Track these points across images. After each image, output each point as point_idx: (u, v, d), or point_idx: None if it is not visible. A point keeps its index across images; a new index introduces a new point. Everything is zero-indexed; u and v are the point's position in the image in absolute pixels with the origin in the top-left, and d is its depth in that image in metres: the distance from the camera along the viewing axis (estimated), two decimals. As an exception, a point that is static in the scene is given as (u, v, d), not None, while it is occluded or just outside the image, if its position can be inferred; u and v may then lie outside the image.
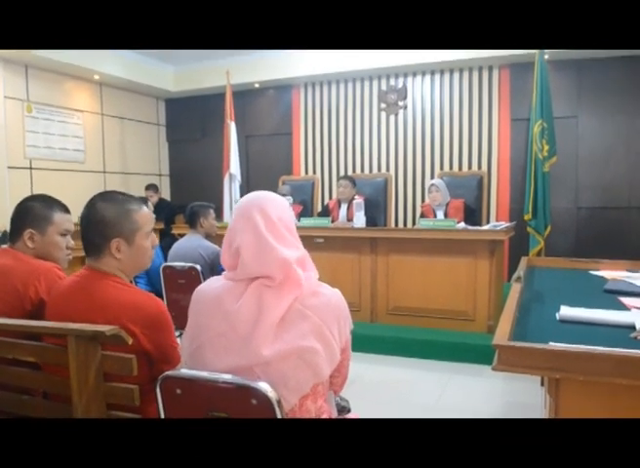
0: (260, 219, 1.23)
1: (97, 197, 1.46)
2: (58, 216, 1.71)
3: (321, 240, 4.25)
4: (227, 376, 1.13)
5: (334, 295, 1.25)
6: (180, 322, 1.42)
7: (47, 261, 1.66)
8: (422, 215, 4.69)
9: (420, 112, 6.23)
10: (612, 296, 1.91)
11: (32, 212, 1.69)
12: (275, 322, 1.17)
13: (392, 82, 6.34)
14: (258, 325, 1.16)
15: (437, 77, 6.13)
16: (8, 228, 1.73)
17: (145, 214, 1.48)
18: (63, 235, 1.72)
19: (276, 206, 1.28)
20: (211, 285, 1.29)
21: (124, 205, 1.45)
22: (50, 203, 1.73)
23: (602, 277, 2.31)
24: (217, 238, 3.37)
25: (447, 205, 4.56)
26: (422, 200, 6.06)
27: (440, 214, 4.53)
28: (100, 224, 1.41)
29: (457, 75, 6.05)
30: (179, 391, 1.16)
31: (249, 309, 1.18)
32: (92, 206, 1.44)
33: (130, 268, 1.48)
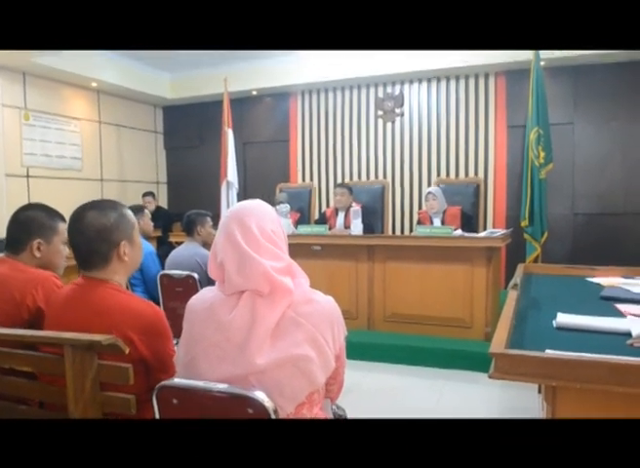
0: (239, 233, 1.22)
1: (84, 209, 1.44)
2: (61, 226, 1.74)
3: (318, 247, 4.25)
4: (223, 386, 1.13)
5: (327, 303, 1.25)
6: (177, 330, 1.42)
7: (45, 270, 1.67)
8: (419, 223, 4.70)
9: (416, 119, 6.26)
10: (608, 303, 1.92)
11: (38, 222, 1.69)
12: (269, 330, 1.17)
13: (389, 89, 6.37)
14: (251, 333, 1.16)
15: (434, 84, 6.16)
16: (3, 236, 1.73)
17: (131, 213, 1.52)
18: (64, 244, 1.74)
19: (257, 215, 1.26)
20: (204, 295, 1.29)
21: (116, 208, 1.47)
22: (52, 213, 1.75)
23: (598, 284, 2.32)
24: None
25: (444, 212, 4.56)
26: (419, 207, 6.08)
27: (437, 222, 4.54)
28: (103, 232, 1.41)
29: (453, 82, 6.07)
30: (175, 401, 1.16)
31: (242, 318, 1.18)
32: (82, 218, 1.41)
33: (131, 268, 1.52)
